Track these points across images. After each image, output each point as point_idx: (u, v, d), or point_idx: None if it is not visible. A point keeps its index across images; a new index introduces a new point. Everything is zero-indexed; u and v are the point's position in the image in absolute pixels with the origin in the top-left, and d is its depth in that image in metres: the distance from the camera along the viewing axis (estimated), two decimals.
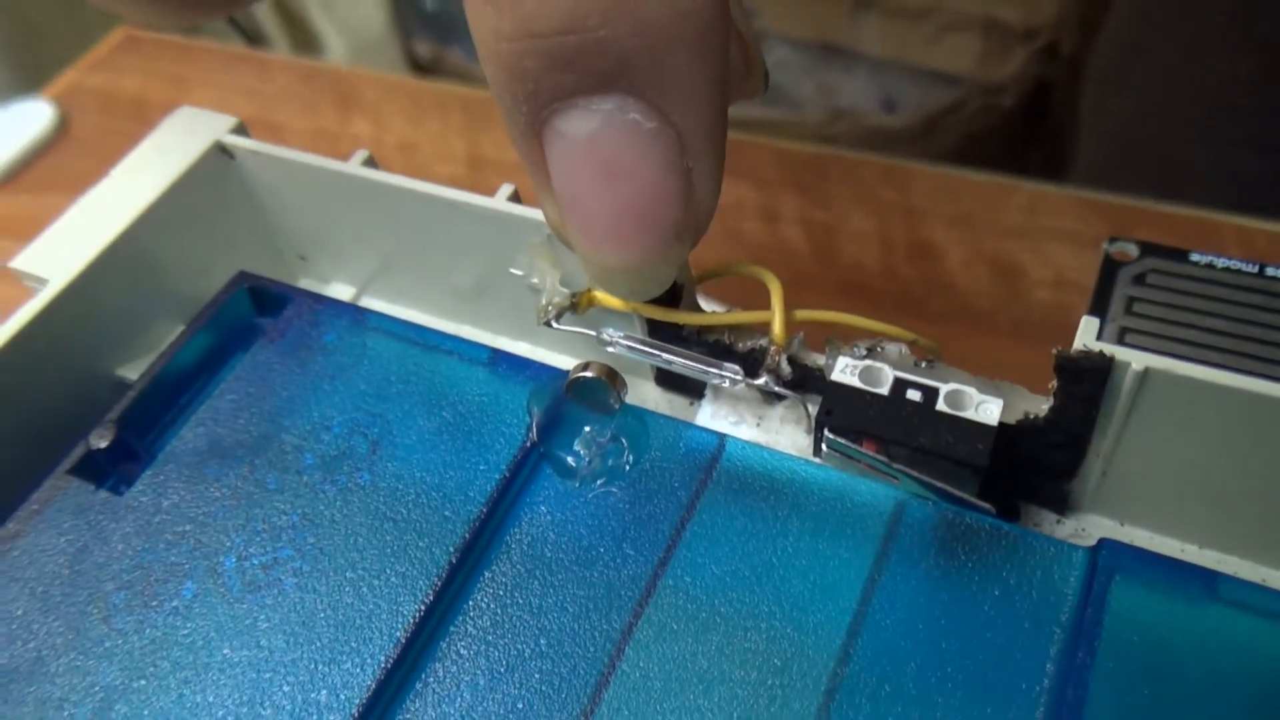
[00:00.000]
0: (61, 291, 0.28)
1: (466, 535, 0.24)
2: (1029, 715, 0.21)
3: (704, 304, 0.28)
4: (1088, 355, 0.22)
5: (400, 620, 0.23)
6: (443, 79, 0.75)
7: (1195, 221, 0.43)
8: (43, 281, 0.29)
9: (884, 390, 0.24)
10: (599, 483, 0.25)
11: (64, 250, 0.29)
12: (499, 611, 0.24)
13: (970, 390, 0.24)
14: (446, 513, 0.25)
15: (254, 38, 0.84)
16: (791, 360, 0.26)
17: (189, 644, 0.24)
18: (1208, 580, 0.22)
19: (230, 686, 0.23)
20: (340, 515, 0.25)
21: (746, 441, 0.25)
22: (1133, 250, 0.31)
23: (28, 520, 0.26)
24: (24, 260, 0.29)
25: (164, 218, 0.30)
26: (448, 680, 0.23)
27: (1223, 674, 0.20)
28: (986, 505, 0.23)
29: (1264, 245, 0.42)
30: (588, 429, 0.25)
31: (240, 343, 0.29)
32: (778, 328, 0.25)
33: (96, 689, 0.23)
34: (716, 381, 0.26)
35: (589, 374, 0.25)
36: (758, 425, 0.27)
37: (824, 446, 0.24)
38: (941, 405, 0.24)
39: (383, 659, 0.23)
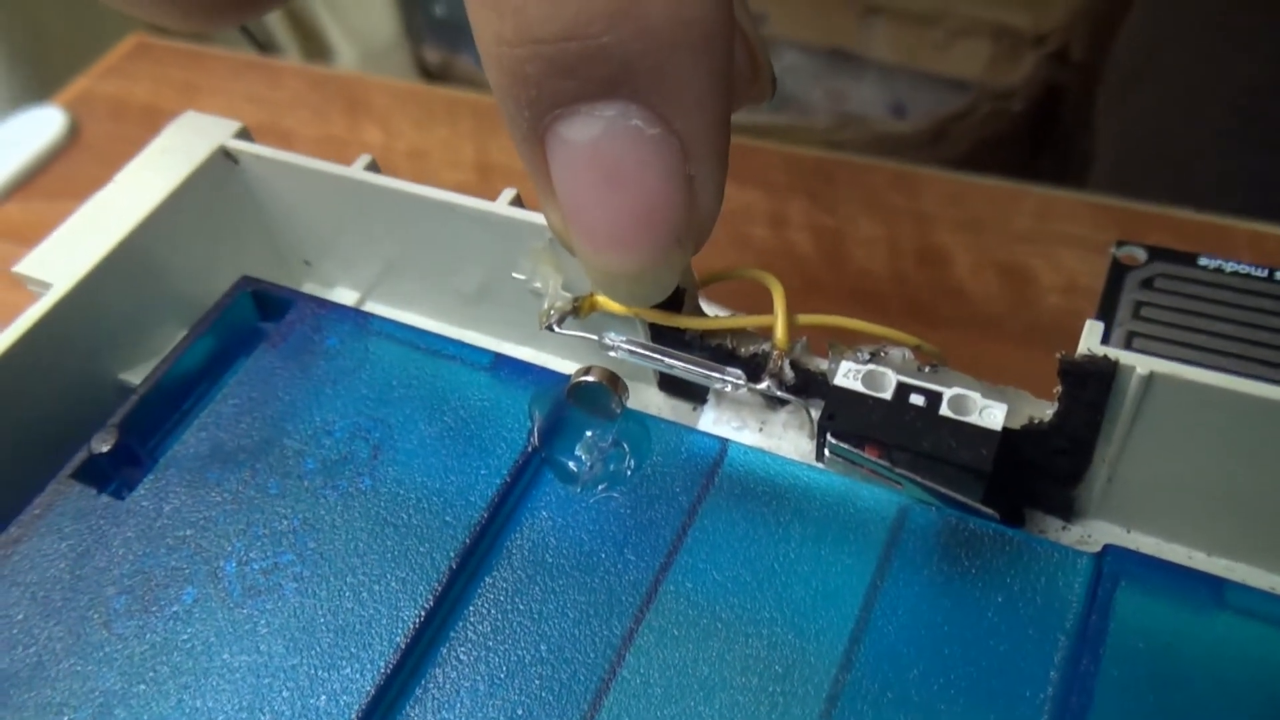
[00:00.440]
0: (65, 296, 0.28)
1: (467, 540, 0.24)
2: None
3: (707, 309, 0.28)
4: (1092, 359, 0.22)
5: (400, 625, 0.23)
6: (452, 85, 0.75)
7: (1207, 226, 0.43)
8: (46, 286, 0.29)
9: (887, 395, 0.24)
10: (600, 488, 0.25)
11: (67, 255, 0.29)
12: (499, 617, 0.23)
13: (974, 395, 0.24)
14: (447, 518, 0.25)
15: (265, 45, 0.84)
16: (794, 365, 0.26)
17: (189, 649, 0.23)
18: (1214, 587, 0.21)
19: (229, 691, 0.23)
20: (341, 520, 0.25)
21: (749, 446, 0.25)
22: (1141, 255, 0.31)
23: (29, 525, 0.25)
24: (28, 265, 0.29)
25: (168, 222, 0.30)
26: (448, 686, 0.23)
27: (1229, 682, 0.20)
28: (990, 511, 0.23)
29: (1276, 250, 0.42)
30: (589, 434, 0.25)
31: (243, 347, 0.29)
32: (780, 332, 0.25)
33: (96, 694, 0.23)
34: (719, 386, 0.26)
35: (590, 378, 0.25)
36: (760, 430, 0.27)
37: (826, 451, 0.24)
38: (945, 410, 0.24)
39: (383, 664, 0.23)
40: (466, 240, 0.28)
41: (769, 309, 0.25)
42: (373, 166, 0.30)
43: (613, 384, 0.25)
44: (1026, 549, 0.23)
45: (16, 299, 0.30)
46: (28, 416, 0.28)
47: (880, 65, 0.68)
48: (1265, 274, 0.29)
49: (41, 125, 0.55)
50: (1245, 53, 0.52)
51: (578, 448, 0.25)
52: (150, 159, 0.31)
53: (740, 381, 0.25)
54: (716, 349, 0.26)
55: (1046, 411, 0.24)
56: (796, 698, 0.21)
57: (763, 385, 0.25)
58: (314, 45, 0.87)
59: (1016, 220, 0.45)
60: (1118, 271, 0.30)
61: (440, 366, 0.27)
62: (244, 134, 0.31)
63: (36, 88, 0.66)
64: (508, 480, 0.25)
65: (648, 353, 0.26)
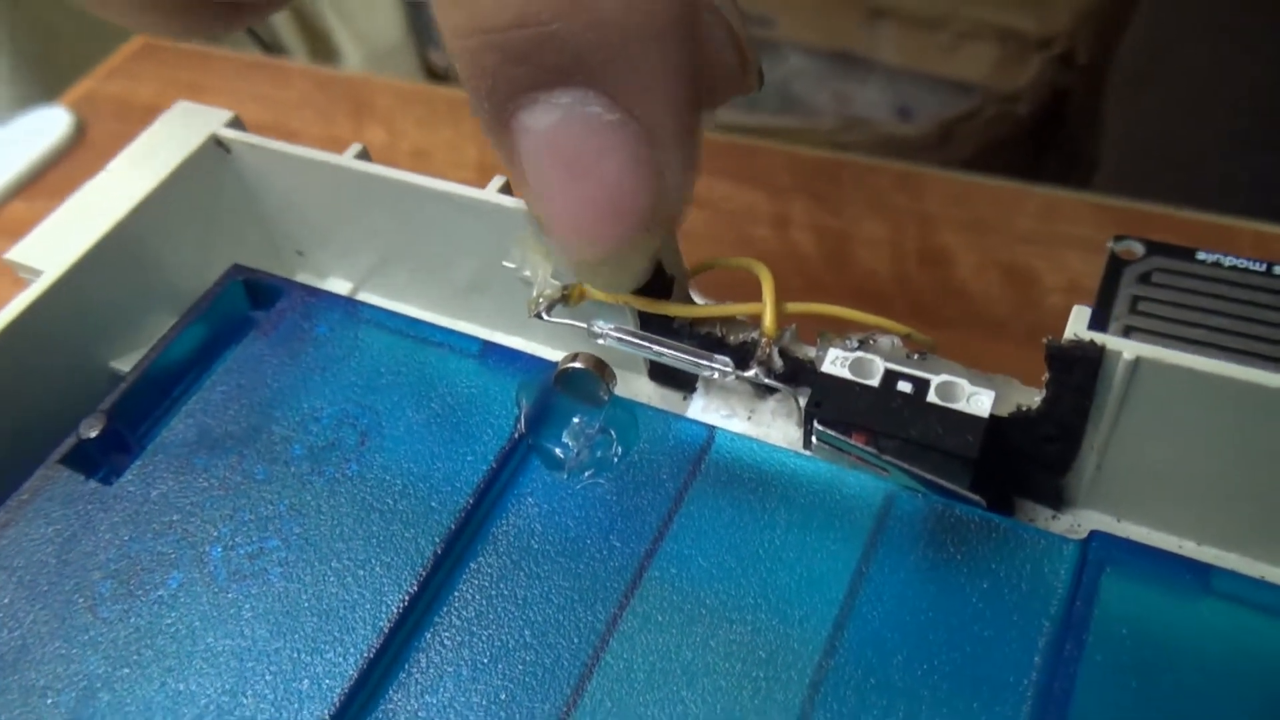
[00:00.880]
0: (55, 283, 0.28)
1: (453, 526, 0.24)
2: (1016, 708, 0.20)
3: (698, 299, 0.28)
4: (1079, 344, 0.22)
5: (384, 610, 0.23)
6: (456, 86, 0.75)
7: (1210, 226, 0.43)
8: (37, 273, 0.29)
9: (874, 382, 0.24)
10: (587, 474, 0.25)
11: (59, 242, 0.29)
12: (484, 602, 0.23)
13: (962, 382, 0.24)
14: (433, 504, 0.25)
15: (271, 47, 0.84)
16: (783, 353, 0.25)
17: (173, 633, 0.23)
18: (1200, 573, 0.21)
19: (213, 675, 0.23)
20: (327, 506, 0.25)
21: (735, 433, 0.25)
22: (1138, 249, 0.30)
23: (17, 509, 0.26)
24: (19, 252, 0.29)
25: (159, 211, 0.30)
26: (431, 671, 0.23)
27: (1213, 667, 0.20)
28: (977, 498, 0.23)
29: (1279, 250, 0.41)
30: (576, 420, 0.25)
31: (234, 335, 0.29)
32: (768, 320, 0.25)
33: (80, 677, 0.23)
34: (707, 374, 0.26)
35: (577, 365, 0.25)
36: (749, 418, 0.27)
37: (813, 438, 0.24)
38: (932, 397, 0.23)
39: (366, 649, 0.23)
40: (457, 229, 0.28)
41: (759, 299, 0.25)
42: (364, 155, 0.29)
43: (600, 370, 0.25)
44: (1012, 535, 0.22)
45: (12, 290, 0.30)
46: (18, 403, 0.28)
47: (886, 68, 0.68)
48: (1264, 268, 0.29)
49: (47, 125, 0.55)
50: (1250, 55, 0.52)
51: (564, 434, 0.25)
52: (143, 147, 0.31)
53: (728, 369, 0.25)
54: (705, 337, 0.26)
55: (1035, 399, 0.24)
56: (780, 683, 0.21)
57: (751, 373, 0.25)
58: (321, 47, 0.87)
59: (1020, 221, 0.44)
60: (1115, 265, 0.30)
61: (429, 354, 0.27)
62: (236, 123, 0.31)
63: (43, 88, 0.66)
64: (494, 466, 0.25)
65: (636, 340, 0.26)
